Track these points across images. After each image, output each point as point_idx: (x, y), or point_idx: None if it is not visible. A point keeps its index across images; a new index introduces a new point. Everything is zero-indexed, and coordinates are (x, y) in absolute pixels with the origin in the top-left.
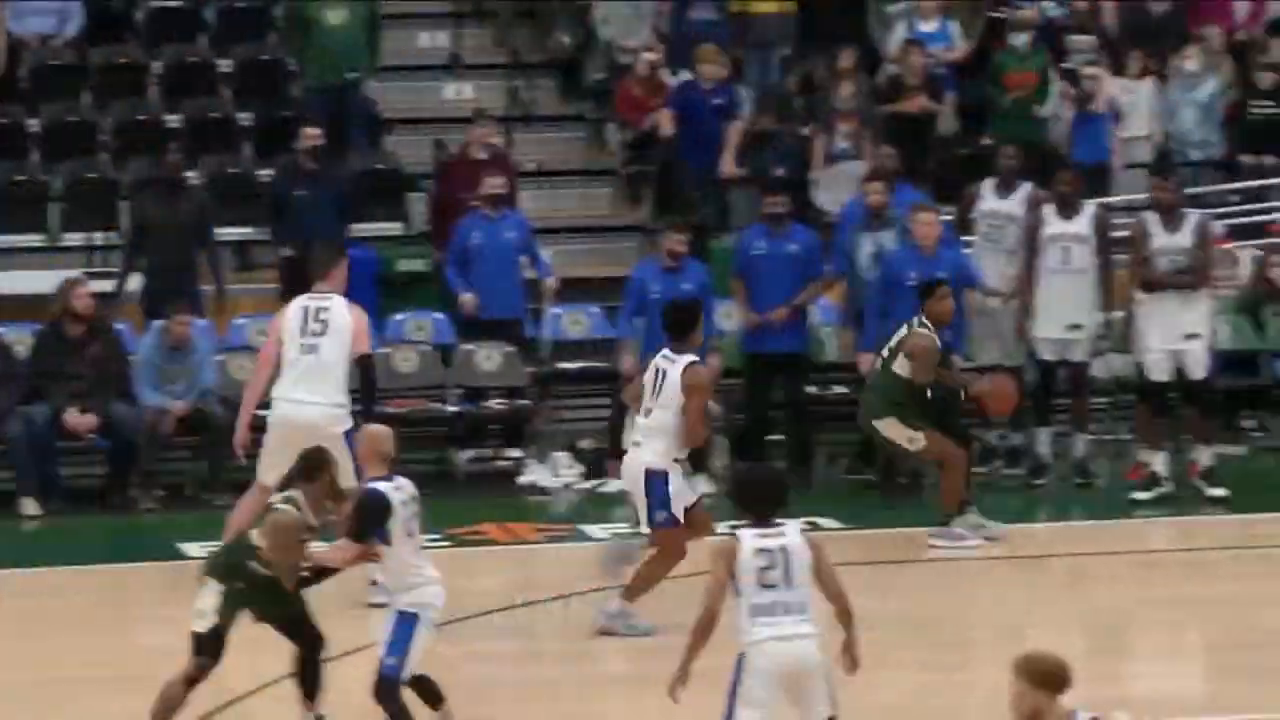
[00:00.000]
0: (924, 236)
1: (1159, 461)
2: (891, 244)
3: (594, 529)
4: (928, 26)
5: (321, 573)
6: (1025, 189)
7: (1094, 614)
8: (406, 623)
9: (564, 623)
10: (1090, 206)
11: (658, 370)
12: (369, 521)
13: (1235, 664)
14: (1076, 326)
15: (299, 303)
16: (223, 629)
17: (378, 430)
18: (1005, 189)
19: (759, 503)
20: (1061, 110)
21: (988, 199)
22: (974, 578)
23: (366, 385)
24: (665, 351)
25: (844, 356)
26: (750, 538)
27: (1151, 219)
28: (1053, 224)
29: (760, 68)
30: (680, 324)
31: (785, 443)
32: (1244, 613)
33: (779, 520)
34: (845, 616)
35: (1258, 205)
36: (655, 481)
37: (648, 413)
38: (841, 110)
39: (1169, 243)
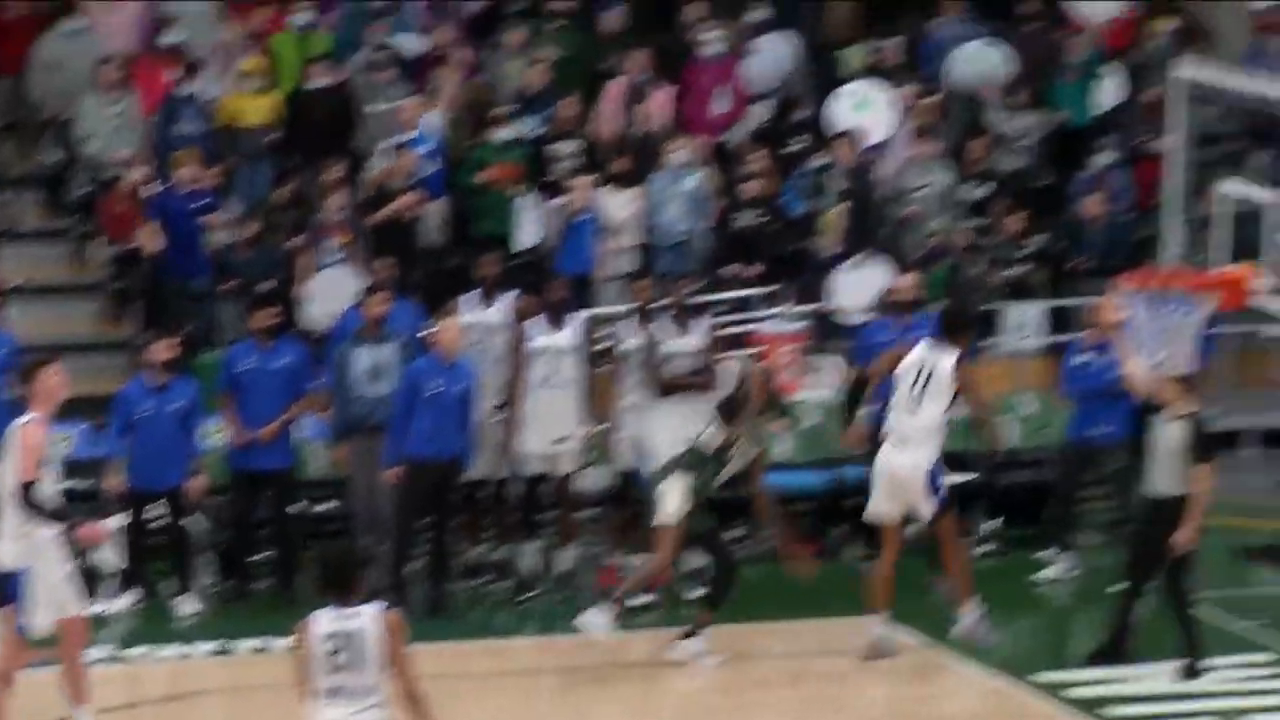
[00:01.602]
0: (448, 343)
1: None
2: (391, 357)
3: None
4: (409, 134)
5: None
6: (508, 299)
7: None
8: None
9: None
10: (577, 317)
11: None
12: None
13: None
14: (563, 439)
15: None
16: None
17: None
18: (488, 299)
19: (332, 583)
20: (547, 220)
21: (472, 310)
22: (465, 696)
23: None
24: None
25: (331, 473)
26: (324, 619)
27: (662, 323)
28: (539, 336)
29: (249, 180)
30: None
31: (271, 560)
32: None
33: (358, 603)
34: (413, 703)
35: (742, 315)
36: None
37: None
38: (330, 222)
39: (682, 345)
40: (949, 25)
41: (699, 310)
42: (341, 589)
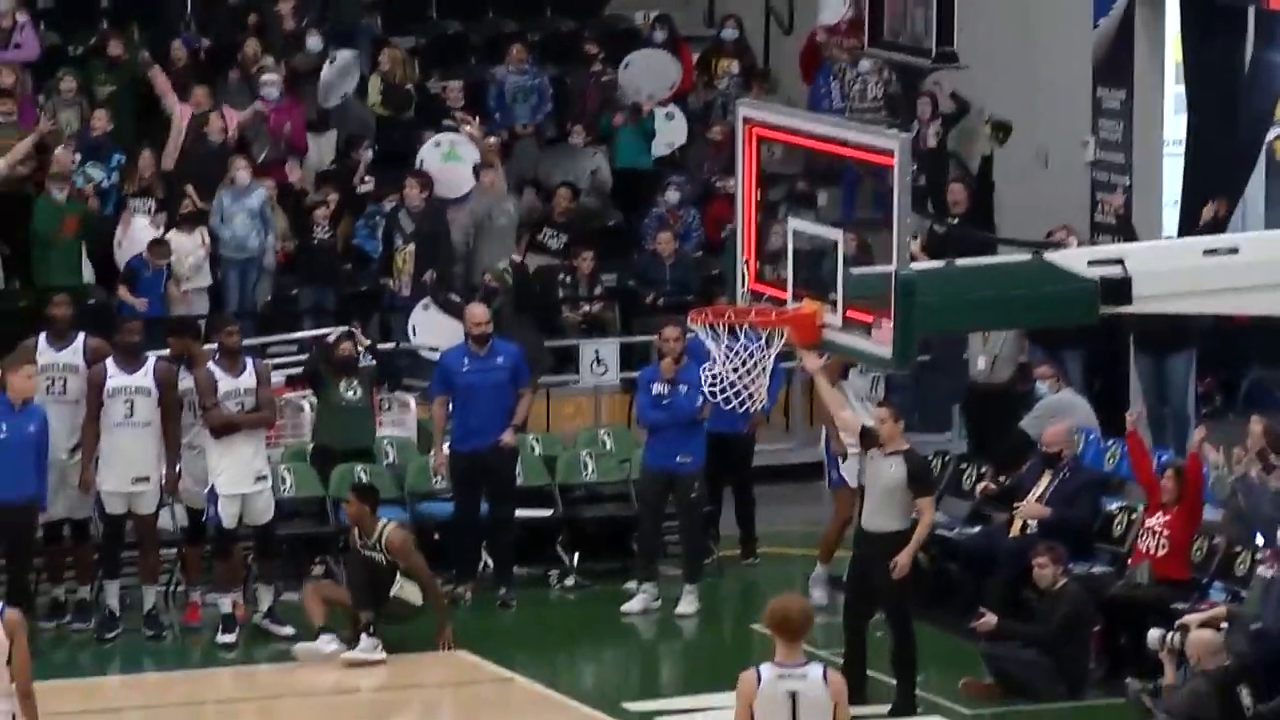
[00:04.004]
0: (17, 386)
1: (227, 603)
2: None
3: None
4: None
5: None
6: (80, 339)
7: None
8: None
9: None
10: (152, 358)
11: None
12: None
13: None
14: (143, 479)
15: None
16: None
17: None
18: (60, 341)
19: None
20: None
21: (45, 352)
22: None
23: None
24: None
25: None
26: None
27: (214, 365)
28: (115, 376)
29: None
30: None
31: None
32: None
33: None
34: (25, 700)
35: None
36: None
37: None
38: None
39: (234, 385)
40: (513, 70)
41: (249, 351)
42: None
